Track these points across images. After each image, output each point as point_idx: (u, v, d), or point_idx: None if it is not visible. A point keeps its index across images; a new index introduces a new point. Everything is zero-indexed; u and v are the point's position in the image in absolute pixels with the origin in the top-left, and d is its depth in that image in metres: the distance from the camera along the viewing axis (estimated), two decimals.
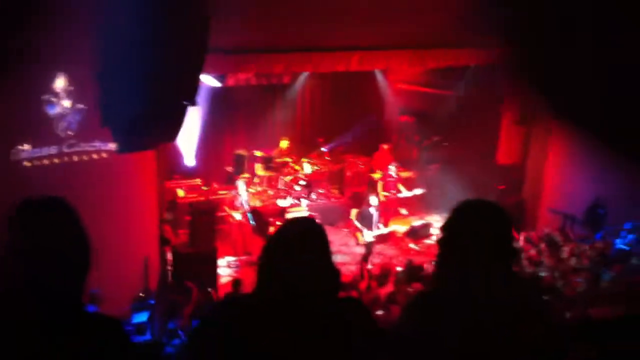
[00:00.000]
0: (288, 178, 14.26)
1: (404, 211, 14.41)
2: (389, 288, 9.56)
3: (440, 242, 2.50)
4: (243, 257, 11.90)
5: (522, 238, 11.07)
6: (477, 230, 2.38)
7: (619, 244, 11.35)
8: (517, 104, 13.19)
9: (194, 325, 2.42)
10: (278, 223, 12.35)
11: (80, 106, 8.38)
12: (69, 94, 8.25)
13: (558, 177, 13.35)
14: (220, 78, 12.66)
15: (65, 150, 8.30)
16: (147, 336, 7.16)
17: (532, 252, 10.59)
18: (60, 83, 8.15)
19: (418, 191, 14.04)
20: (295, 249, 2.31)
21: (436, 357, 2.36)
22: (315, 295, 2.27)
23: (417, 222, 13.71)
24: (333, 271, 2.37)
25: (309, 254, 2.32)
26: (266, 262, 2.35)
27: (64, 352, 1.96)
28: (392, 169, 14.18)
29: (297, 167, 14.70)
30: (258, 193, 13.84)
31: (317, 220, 2.48)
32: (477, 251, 2.36)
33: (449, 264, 2.47)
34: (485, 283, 2.36)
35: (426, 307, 2.49)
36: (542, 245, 11.05)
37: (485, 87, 13.17)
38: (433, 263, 10.21)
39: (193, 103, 9.01)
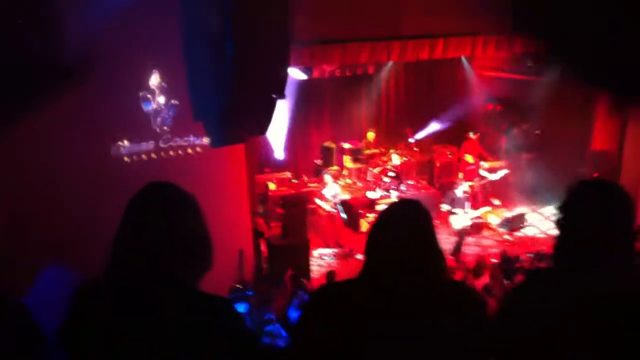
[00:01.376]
0: (377, 170, 14.15)
1: (496, 202, 14.08)
2: (484, 279, 9.36)
3: (558, 222, 2.39)
4: (336, 249, 11.90)
5: None
6: (600, 209, 2.27)
7: None
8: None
9: (300, 312, 2.40)
10: (368, 215, 12.31)
11: (174, 102, 8.56)
12: (163, 90, 8.44)
13: None
14: (307, 70, 12.70)
15: (162, 145, 8.50)
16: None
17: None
18: (154, 80, 8.34)
19: (501, 172, 13.67)
20: (405, 230, 2.27)
21: (541, 336, 2.27)
22: (425, 275, 2.22)
23: (510, 213, 13.39)
24: (441, 253, 2.33)
25: (420, 234, 2.28)
26: (375, 243, 2.31)
27: (183, 326, 1.98)
28: (471, 159, 13.95)
29: (385, 159, 14.57)
30: (347, 185, 13.82)
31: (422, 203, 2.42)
32: (600, 232, 2.25)
33: (568, 244, 2.36)
34: (608, 266, 2.25)
35: (539, 286, 2.41)
36: None
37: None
38: (529, 255, 10.01)
39: (281, 96, 9.06)
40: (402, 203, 2.49)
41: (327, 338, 2.24)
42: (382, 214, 2.39)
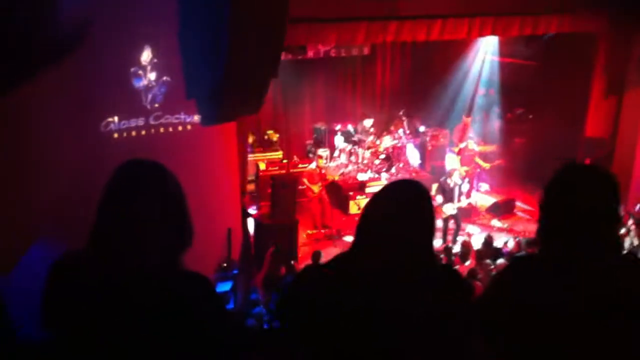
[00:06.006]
0: (368, 152, 14.14)
1: (486, 186, 14.11)
2: (470, 264, 9.41)
3: (542, 205, 2.36)
4: (322, 230, 11.92)
5: None
6: (584, 192, 2.25)
7: None
8: (608, 73, 12.57)
9: (283, 295, 2.39)
10: (358, 197, 12.33)
11: (166, 78, 8.49)
12: (155, 67, 8.37)
13: None
14: (301, 50, 12.63)
15: (152, 122, 8.45)
16: (230, 305, 7.27)
17: (621, 230, 10.19)
18: (146, 55, 8.26)
19: (495, 162, 13.74)
20: (401, 208, 2.22)
21: (533, 324, 2.23)
22: (416, 255, 2.19)
23: (500, 198, 13.42)
24: (433, 234, 2.31)
25: (424, 217, 2.24)
26: (367, 219, 2.26)
27: (161, 303, 1.99)
28: (471, 143, 13.93)
29: (377, 141, 14.52)
30: (338, 166, 13.81)
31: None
32: (584, 214, 2.22)
33: (552, 227, 2.32)
34: (594, 247, 2.22)
35: (525, 272, 2.37)
36: (631, 224, 10.60)
37: (572, 56, 12.67)
38: (518, 240, 10.05)
39: (275, 75, 9.01)
40: (402, 182, 2.44)
41: (310, 322, 2.22)
42: (380, 191, 2.34)
